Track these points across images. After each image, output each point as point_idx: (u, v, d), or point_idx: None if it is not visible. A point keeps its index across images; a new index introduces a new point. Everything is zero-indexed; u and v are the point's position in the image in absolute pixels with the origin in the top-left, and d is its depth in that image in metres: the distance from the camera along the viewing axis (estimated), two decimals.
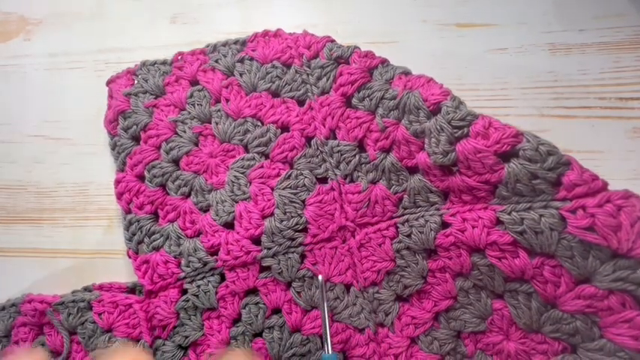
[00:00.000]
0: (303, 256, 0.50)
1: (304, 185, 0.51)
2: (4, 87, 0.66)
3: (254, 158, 0.52)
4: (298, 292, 0.49)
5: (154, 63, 0.58)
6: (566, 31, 0.58)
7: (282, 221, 0.50)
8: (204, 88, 0.55)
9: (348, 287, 0.50)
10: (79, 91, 0.64)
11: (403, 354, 0.48)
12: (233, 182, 0.52)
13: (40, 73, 0.66)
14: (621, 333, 0.40)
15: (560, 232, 0.41)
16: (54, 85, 0.65)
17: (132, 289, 0.54)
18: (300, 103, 0.53)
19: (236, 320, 0.50)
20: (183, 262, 0.51)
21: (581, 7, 0.59)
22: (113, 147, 0.56)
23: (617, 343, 0.40)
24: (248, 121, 0.53)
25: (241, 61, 0.55)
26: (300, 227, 0.50)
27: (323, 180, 0.51)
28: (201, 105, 0.54)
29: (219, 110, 0.54)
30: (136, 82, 0.58)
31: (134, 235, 0.53)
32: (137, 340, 0.51)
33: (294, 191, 0.51)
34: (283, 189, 0.51)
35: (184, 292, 0.51)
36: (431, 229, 0.47)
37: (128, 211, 0.54)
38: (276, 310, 0.50)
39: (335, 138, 0.50)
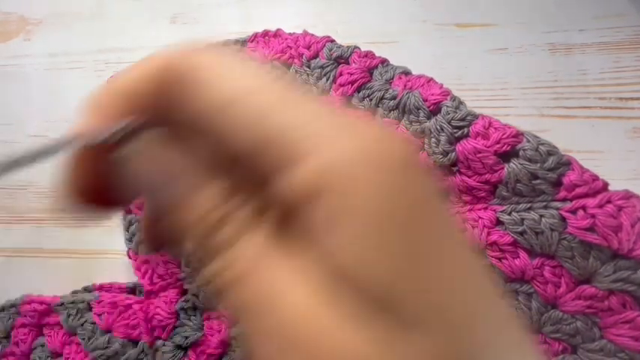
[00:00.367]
0: None
1: None
2: (4, 87, 0.66)
3: None
4: None
5: None
6: (566, 31, 0.58)
7: None
8: None
9: None
10: (79, 91, 0.64)
11: None
12: None
13: (40, 73, 0.66)
14: (622, 334, 0.40)
15: (561, 233, 0.41)
16: (54, 85, 0.65)
17: (132, 289, 0.53)
18: None
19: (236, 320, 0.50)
20: (183, 262, 0.51)
21: (581, 7, 0.59)
22: None
23: (617, 343, 0.40)
24: None
25: None
26: None
27: None
28: None
29: None
30: None
31: (134, 235, 0.53)
32: (137, 340, 0.51)
33: None
34: None
35: (184, 292, 0.51)
36: None
37: (128, 212, 0.54)
38: None
39: None
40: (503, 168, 0.43)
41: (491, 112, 0.47)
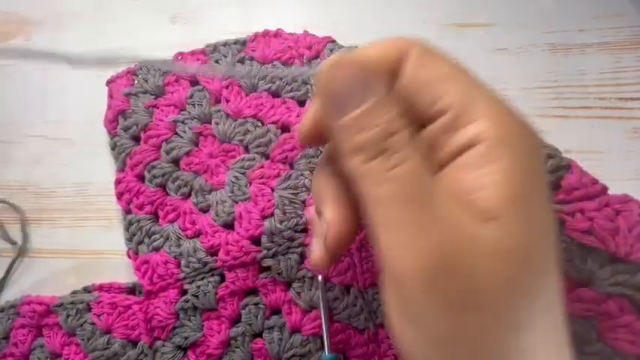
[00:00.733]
0: (303, 257, 0.50)
1: (304, 186, 0.51)
2: (4, 87, 0.66)
3: (254, 159, 0.52)
4: (298, 293, 0.49)
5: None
6: (566, 31, 0.58)
7: (282, 222, 0.50)
8: (204, 89, 0.55)
9: (348, 288, 0.50)
10: (79, 91, 0.64)
11: None
12: (233, 183, 0.52)
13: (39, 73, 0.66)
14: (619, 337, 0.40)
15: (559, 235, 0.41)
16: (54, 85, 0.65)
17: (132, 290, 0.54)
18: (301, 103, 0.53)
19: (236, 321, 0.50)
20: (183, 262, 0.51)
21: (581, 7, 0.59)
22: (113, 147, 0.56)
23: (614, 347, 0.40)
24: (248, 122, 0.53)
25: (242, 61, 0.55)
26: (300, 228, 0.50)
27: None
28: (201, 105, 0.54)
29: (219, 110, 0.54)
30: (136, 82, 0.58)
31: (134, 235, 0.53)
32: (136, 341, 0.51)
33: (295, 192, 0.51)
34: (283, 189, 0.51)
35: (184, 292, 0.51)
36: None
37: (128, 212, 0.54)
38: (276, 311, 0.50)
39: None
40: None
41: None
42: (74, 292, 0.54)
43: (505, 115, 0.28)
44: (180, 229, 0.52)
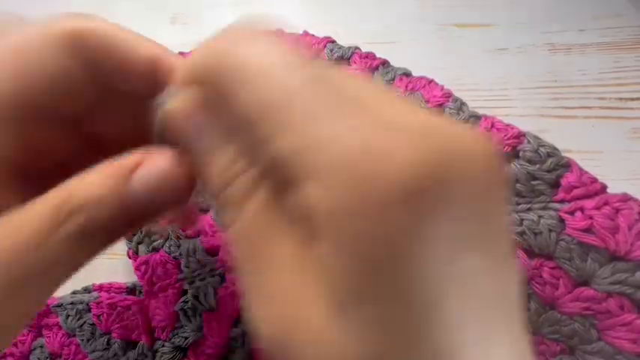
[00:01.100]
0: None
1: None
2: None
3: None
4: None
5: None
6: (566, 31, 0.58)
7: None
8: None
9: None
10: None
11: None
12: None
13: None
14: (619, 336, 0.40)
15: (559, 234, 0.41)
16: None
17: (131, 289, 0.53)
18: None
19: (236, 321, 0.50)
20: (182, 262, 0.51)
21: (581, 7, 0.59)
22: None
23: (615, 346, 0.40)
24: None
25: None
26: None
27: None
28: None
29: None
30: None
31: (134, 235, 0.53)
32: (136, 341, 0.51)
33: None
34: None
35: (184, 293, 0.51)
36: None
37: None
38: None
39: None
40: None
41: (491, 112, 0.47)
42: (74, 293, 0.54)
43: (347, 174, 0.20)
44: (180, 229, 0.52)
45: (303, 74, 0.22)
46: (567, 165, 0.41)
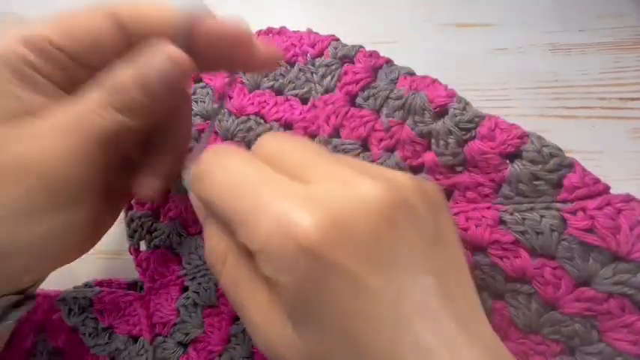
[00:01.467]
0: None
1: None
2: None
3: None
4: None
5: None
6: (566, 31, 0.59)
7: None
8: (207, 85, 0.55)
9: None
10: None
11: None
12: None
13: None
14: (620, 338, 0.40)
15: (561, 234, 0.41)
16: None
17: (132, 285, 0.54)
18: (304, 101, 0.52)
19: (236, 318, 0.50)
20: (184, 259, 0.51)
21: (581, 7, 0.59)
22: None
23: (615, 347, 0.40)
24: (251, 119, 0.52)
25: None
26: None
27: None
28: (204, 102, 0.54)
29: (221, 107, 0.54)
30: None
31: (135, 231, 0.53)
32: (137, 337, 0.51)
33: None
34: None
35: (185, 289, 0.51)
36: None
37: (130, 207, 0.54)
38: None
39: (339, 136, 0.50)
40: (507, 168, 0.43)
41: (492, 113, 0.47)
42: (76, 288, 0.54)
43: (271, 252, 0.30)
44: (181, 226, 0.52)
45: (252, 185, 0.32)
46: (570, 165, 0.41)
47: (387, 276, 0.29)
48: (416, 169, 0.48)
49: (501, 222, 0.44)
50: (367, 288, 0.29)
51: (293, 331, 0.31)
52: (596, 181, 0.41)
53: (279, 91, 0.53)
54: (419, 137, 0.47)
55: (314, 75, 0.52)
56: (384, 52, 0.52)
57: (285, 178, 0.32)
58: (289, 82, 0.53)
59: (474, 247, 0.45)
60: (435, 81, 0.48)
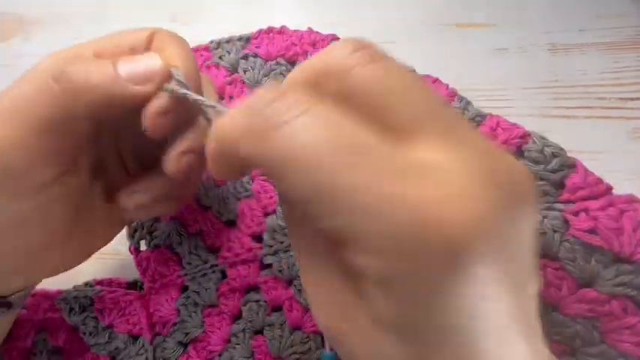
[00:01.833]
0: None
1: None
2: (3, 87, 0.66)
3: None
4: (299, 290, 0.49)
5: None
6: (566, 31, 0.59)
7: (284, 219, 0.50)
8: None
9: None
10: None
11: None
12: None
13: None
14: (622, 339, 0.40)
15: (563, 234, 0.41)
16: None
17: (132, 285, 0.53)
18: None
19: (237, 317, 0.50)
20: (184, 259, 0.51)
21: (581, 7, 0.60)
22: None
23: (617, 349, 0.40)
24: None
25: (245, 57, 0.55)
26: None
27: None
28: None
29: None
30: None
31: (135, 231, 0.53)
32: (138, 336, 0.51)
33: None
34: None
35: (185, 289, 0.51)
36: None
37: None
38: (277, 308, 0.50)
39: None
40: None
41: (492, 112, 0.47)
42: (76, 287, 0.54)
43: (396, 245, 0.22)
44: (181, 225, 0.52)
45: (346, 151, 0.23)
46: (572, 165, 0.41)
47: None
48: None
49: None
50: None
51: (380, 332, 0.25)
52: (599, 181, 0.41)
53: None
54: None
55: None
56: None
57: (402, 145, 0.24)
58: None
59: None
60: (436, 80, 0.48)
